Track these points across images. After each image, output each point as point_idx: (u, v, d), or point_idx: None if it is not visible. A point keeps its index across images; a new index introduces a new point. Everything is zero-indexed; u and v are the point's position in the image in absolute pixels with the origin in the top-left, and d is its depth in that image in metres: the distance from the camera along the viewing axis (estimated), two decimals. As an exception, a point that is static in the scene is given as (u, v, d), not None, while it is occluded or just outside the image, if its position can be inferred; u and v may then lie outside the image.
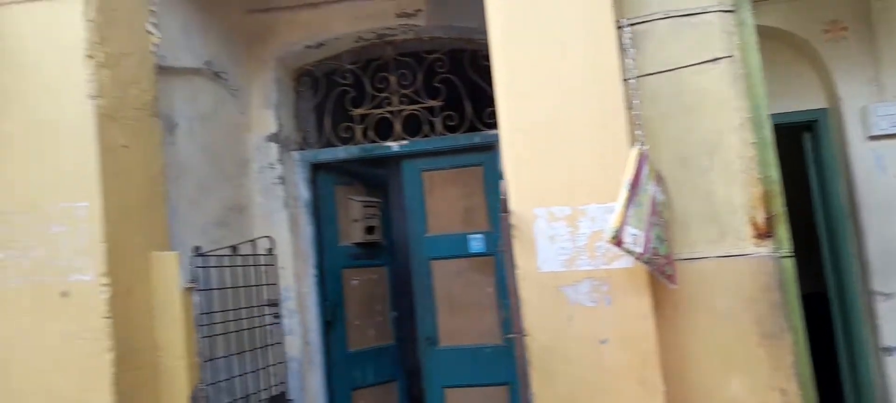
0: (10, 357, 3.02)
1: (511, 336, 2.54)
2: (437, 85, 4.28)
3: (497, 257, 4.10)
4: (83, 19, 3.02)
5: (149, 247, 3.22)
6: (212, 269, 3.47)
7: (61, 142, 3.01)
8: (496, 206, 4.10)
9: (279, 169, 4.24)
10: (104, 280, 2.95)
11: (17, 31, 3.12)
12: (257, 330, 3.80)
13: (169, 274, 3.23)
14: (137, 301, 3.13)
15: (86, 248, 2.95)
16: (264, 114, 4.28)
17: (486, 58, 3.91)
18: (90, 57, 3.01)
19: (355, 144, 4.37)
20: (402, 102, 4.36)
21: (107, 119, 3.03)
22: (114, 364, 2.93)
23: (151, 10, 3.43)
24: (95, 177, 2.96)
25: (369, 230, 4.63)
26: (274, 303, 3.92)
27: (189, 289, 3.29)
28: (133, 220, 3.14)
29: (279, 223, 4.20)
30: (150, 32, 3.41)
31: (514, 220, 2.69)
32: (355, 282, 4.53)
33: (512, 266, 2.60)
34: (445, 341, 4.13)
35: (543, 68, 2.82)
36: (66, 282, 2.98)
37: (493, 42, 2.90)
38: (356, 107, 4.39)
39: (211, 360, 3.35)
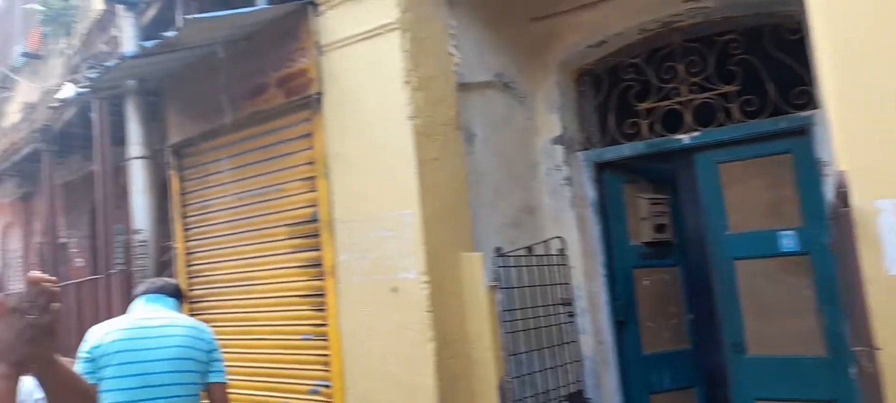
0: (355, 344, 3.60)
1: (858, 348, 2.20)
2: (731, 68, 3.93)
3: (814, 256, 3.60)
4: (400, 51, 3.47)
5: (457, 249, 3.57)
6: (510, 268, 3.68)
7: (387, 160, 3.50)
8: (811, 198, 3.62)
9: (565, 170, 4.33)
10: (425, 278, 3.34)
11: (348, 68, 3.74)
12: (553, 328, 3.92)
13: (475, 272, 3.53)
14: (449, 297, 3.49)
15: (410, 250, 3.38)
16: (549, 117, 4.40)
17: (793, 31, 3.50)
18: (407, 83, 3.44)
19: (641, 140, 4.23)
20: (691, 91, 4.09)
21: (422, 136, 3.44)
22: (435, 352, 3.30)
23: (451, 34, 3.79)
24: (415, 188, 3.37)
25: (659, 228, 4.45)
26: (567, 302, 4.01)
27: (493, 287, 3.54)
28: (444, 224, 3.50)
29: (567, 223, 4.28)
30: (451, 54, 3.77)
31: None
32: (647, 282, 4.39)
33: (855, 268, 2.25)
34: (754, 348, 3.75)
35: (886, 30, 2.39)
36: (395, 280, 3.45)
37: (812, 7, 2.55)
38: (641, 101, 4.25)
39: (514, 355, 3.56)
